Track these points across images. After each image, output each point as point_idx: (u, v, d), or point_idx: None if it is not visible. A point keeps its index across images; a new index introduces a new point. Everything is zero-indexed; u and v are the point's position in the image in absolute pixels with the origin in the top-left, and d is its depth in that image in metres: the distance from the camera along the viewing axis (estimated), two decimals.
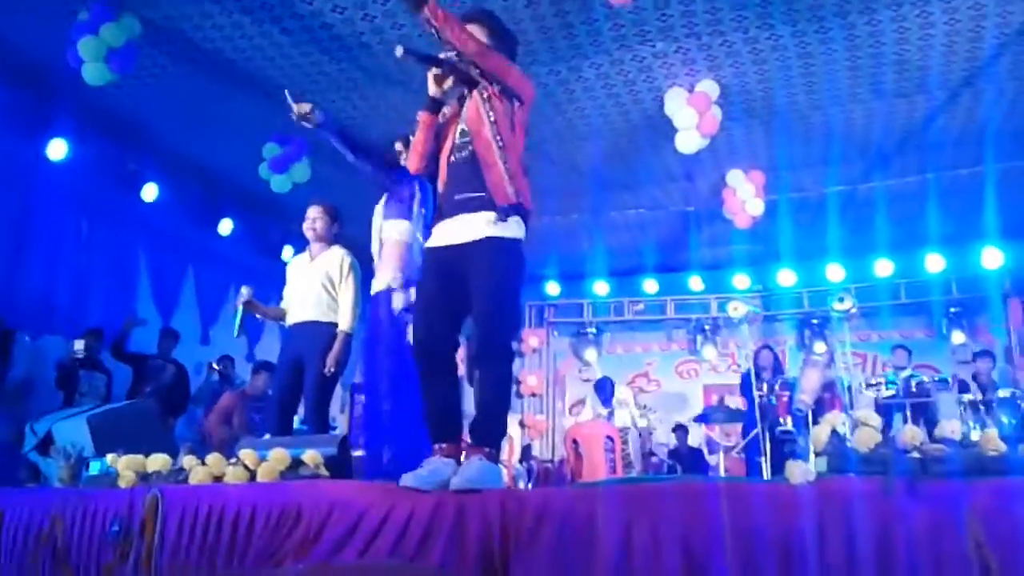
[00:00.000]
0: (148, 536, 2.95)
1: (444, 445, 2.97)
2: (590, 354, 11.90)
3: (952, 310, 10.42)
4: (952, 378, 8.01)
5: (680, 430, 10.17)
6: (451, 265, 3.08)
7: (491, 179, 3.04)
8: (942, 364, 9.86)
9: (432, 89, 3.19)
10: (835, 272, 10.37)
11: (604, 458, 8.15)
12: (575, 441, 8.54)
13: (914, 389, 7.36)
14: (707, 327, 11.47)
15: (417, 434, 4.02)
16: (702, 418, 9.34)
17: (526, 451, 10.59)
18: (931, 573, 2.08)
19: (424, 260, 3.29)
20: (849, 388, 8.00)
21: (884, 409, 6.99)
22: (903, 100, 7.19)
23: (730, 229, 8.99)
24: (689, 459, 9.82)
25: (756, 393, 7.57)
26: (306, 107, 4.24)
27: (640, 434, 9.18)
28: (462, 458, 2.95)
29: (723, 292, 11.06)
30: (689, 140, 6.98)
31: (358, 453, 4.22)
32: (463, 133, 3.17)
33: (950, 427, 2.49)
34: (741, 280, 10.94)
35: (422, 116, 3.25)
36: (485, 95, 3.12)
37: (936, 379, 7.71)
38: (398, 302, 4.48)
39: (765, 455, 7.21)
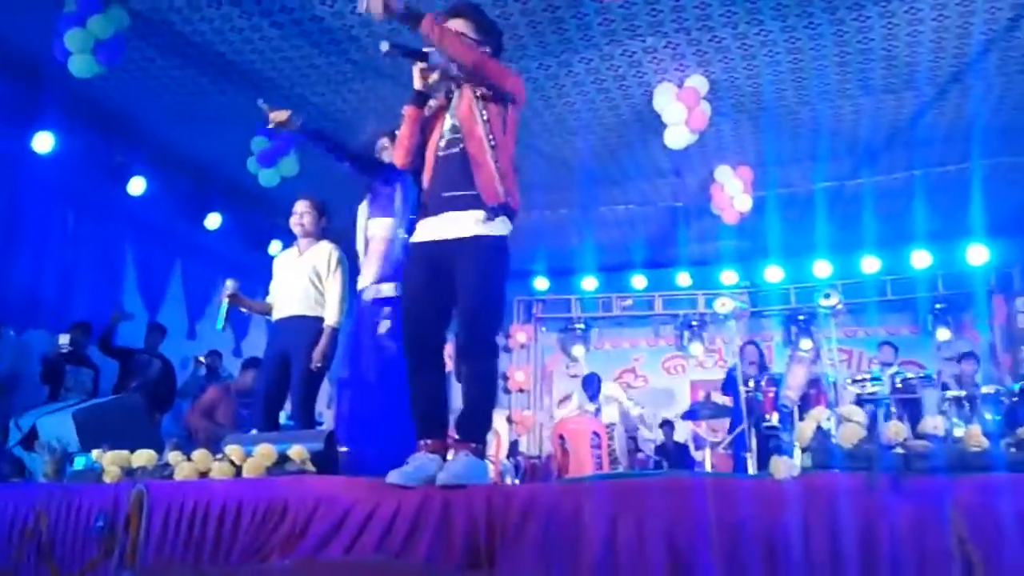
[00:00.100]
0: (133, 531, 2.94)
1: (430, 441, 2.97)
2: (578, 350, 11.92)
3: (938, 306, 10.49)
4: (937, 375, 8.06)
5: (666, 426, 10.20)
6: (437, 260, 3.07)
7: (481, 179, 3.04)
8: (927, 360, 9.92)
9: (418, 83, 3.18)
10: (822, 268, 10.41)
11: (591, 454, 8.17)
12: (562, 437, 8.56)
13: (899, 385, 7.40)
14: (694, 323, 11.51)
15: (402, 430, 4.02)
16: (689, 415, 9.37)
17: (513, 447, 10.61)
18: (914, 568, 2.09)
19: (409, 255, 3.28)
20: (835, 384, 8.03)
21: (869, 405, 7.02)
22: (891, 96, 7.22)
23: (718, 225, 9.00)
24: (675, 455, 9.85)
25: (742, 389, 7.59)
26: (283, 115, 4.20)
27: (634, 424, 9.24)
28: (449, 454, 2.95)
29: (711, 288, 11.07)
30: (678, 135, 6.98)
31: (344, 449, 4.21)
32: (453, 128, 3.16)
33: (933, 423, 2.50)
34: (729, 276, 10.96)
35: (408, 110, 3.25)
36: (478, 93, 3.11)
37: (921, 375, 7.75)
38: (369, 294, 4.48)
39: (751, 451, 7.23)
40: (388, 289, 4.45)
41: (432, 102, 3.29)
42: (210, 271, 9.44)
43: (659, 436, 10.20)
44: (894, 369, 8.26)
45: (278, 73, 6.80)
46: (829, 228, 9.47)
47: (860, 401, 7.13)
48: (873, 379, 7.59)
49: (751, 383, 7.73)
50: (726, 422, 8.79)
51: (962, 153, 8.24)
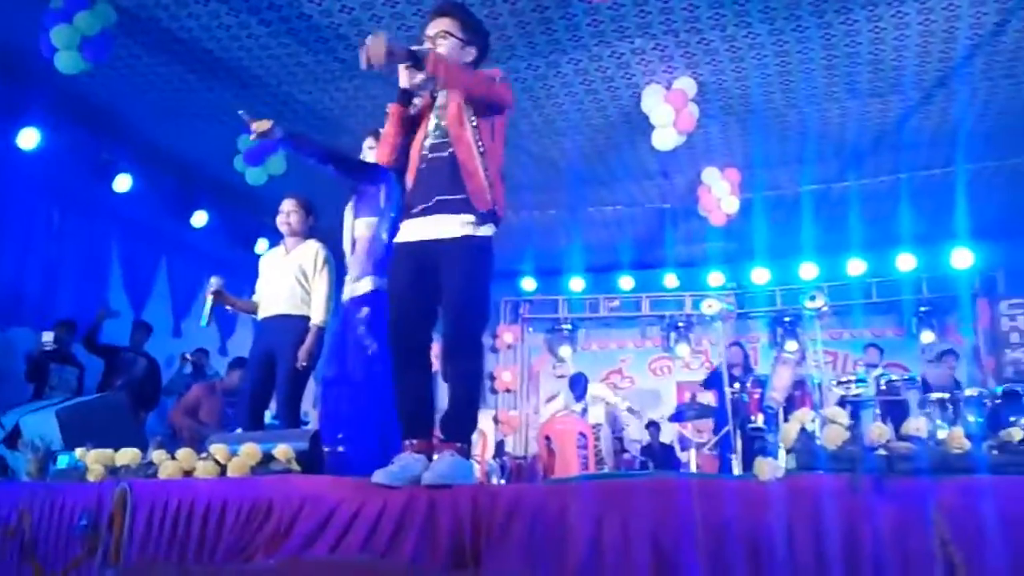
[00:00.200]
0: (116, 530, 2.92)
1: (416, 441, 2.97)
2: (564, 350, 11.94)
3: (922, 309, 10.57)
4: (921, 378, 8.12)
5: (652, 427, 10.24)
6: (422, 260, 3.07)
7: (471, 186, 3.03)
8: (912, 363, 9.99)
9: (403, 81, 3.16)
10: (808, 270, 10.46)
11: (577, 454, 8.20)
12: (548, 437, 8.58)
13: (884, 387, 7.44)
14: (681, 324, 11.55)
15: (387, 430, 4.02)
16: (676, 417, 9.40)
17: (499, 447, 10.62)
18: (897, 569, 2.11)
19: (394, 255, 3.27)
20: (820, 386, 8.08)
21: (853, 407, 7.06)
22: (877, 100, 7.26)
23: (705, 227, 9.03)
24: (661, 455, 9.89)
25: (728, 390, 7.63)
26: (264, 125, 4.18)
27: (621, 425, 9.27)
28: (435, 454, 2.95)
29: (697, 289, 11.12)
30: (666, 137, 7.00)
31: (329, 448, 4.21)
32: (440, 131, 3.15)
33: (916, 425, 2.52)
34: (715, 278, 11.00)
35: (392, 108, 3.24)
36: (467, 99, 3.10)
37: (905, 378, 7.80)
38: (346, 293, 4.48)
39: (736, 452, 7.26)
40: (365, 285, 4.45)
41: (417, 100, 3.28)
42: (196, 269, 9.40)
43: (645, 436, 10.24)
44: (879, 371, 8.32)
45: (265, 71, 6.78)
46: (815, 230, 9.52)
47: (843, 402, 7.17)
48: (858, 381, 7.63)
49: (737, 384, 7.77)
50: (712, 423, 8.83)
51: (947, 157, 8.31)
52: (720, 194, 8.44)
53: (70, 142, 7.46)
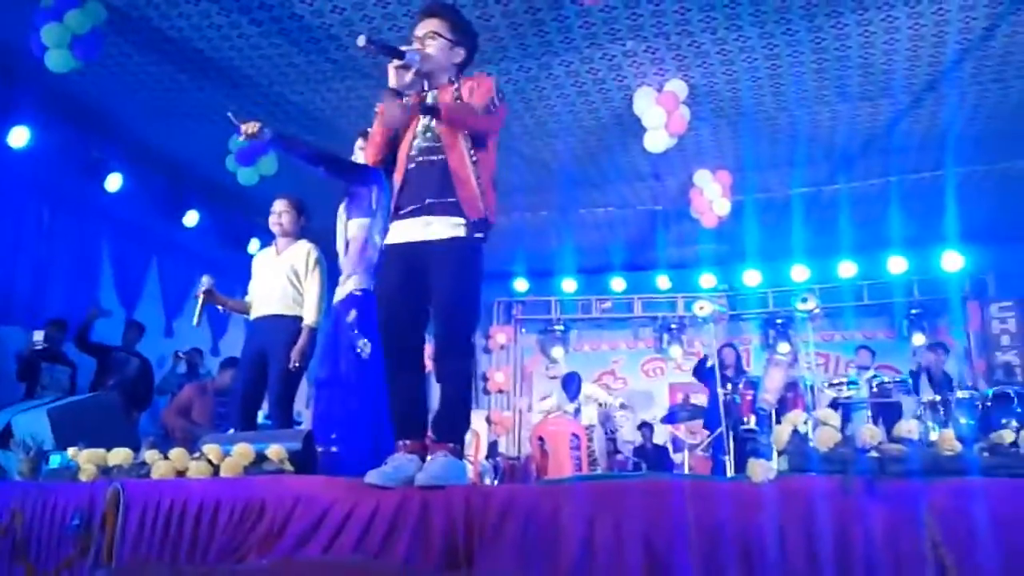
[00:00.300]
0: (109, 530, 2.92)
1: (409, 441, 2.97)
2: (557, 351, 11.95)
3: (913, 312, 10.61)
4: (910, 375, 8.16)
5: (645, 428, 10.25)
6: (412, 262, 3.07)
7: (463, 194, 3.03)
8: (903, 365, 10.00)
9: (392, 80, 3.16)
10: (799, 273, 10.51)
11: (570, 455, 8.20)
12: (541, 438, 8.58)
13: (875, 389, 7.47)
14: (673, 326, 11.57)
15: (379, 430, 4.02)
16: (668, 419, 9.42)
17: (492, 447, 10.61)
18: (889, 571, 2.12)
19: (383, 257, 3.27)
20: (812, 388, 8.11)
21: (844, 409, 7.08)
22: (867, 103, 7.29)
23: (697, 228, 9.05)
24: (654, 457, 9.90)
25: (720, 391, 7.64)
26: (253, 127, 4.18)
27: (614, 426, 9.29)
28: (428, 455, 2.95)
29: (690, 291, 11.15)
30: (657, 139, 7.02)
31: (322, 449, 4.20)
32: (432, 133, 3.14)
33: (907, 427, 2.53)
34: (707, 279, 11.04)
35: (381, 108, 3.23)
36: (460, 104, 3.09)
37: (897, 380, 7.83)
38: (337, 295, 4.49)
39: (729, 453, 7.28)
40: (352, 283, 4.46)
41: (405, 100, 3.27)
42: (187, 269, 9.36)
43: (638, 437, 10.25)
44: (870, 373, 8.34)
45: (256, 71, 6.77)
46: (806, 233, 9.55)
47: (835, 404, 7.19)
48: (850, 383, 7.66)
49: (729, 386, 7.79)
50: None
51: (937, 160, 8.35)
52: (712, 196, 8.46)
53: (60, 141, 7.44)
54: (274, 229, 4.99)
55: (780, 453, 2.62)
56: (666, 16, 6.01)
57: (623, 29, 6.19)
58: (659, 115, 6.87)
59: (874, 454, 2.45)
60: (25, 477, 3.81)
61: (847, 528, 2.17)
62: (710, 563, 2.22)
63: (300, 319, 4.75)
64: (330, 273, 4.86)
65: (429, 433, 3.03)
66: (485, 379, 11.95)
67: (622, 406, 9.60)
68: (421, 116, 3.19)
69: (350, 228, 4.61)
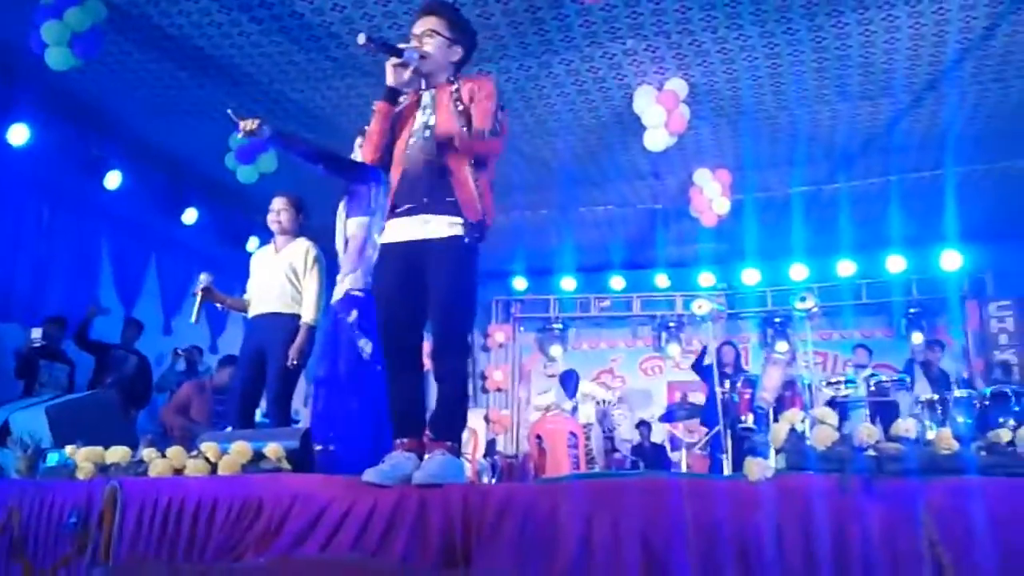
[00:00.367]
0: (106, 528, 2.92)
1: (407, 440, 2.97)
2: (555, 350, 11.94)
3: (912, 311, 10.60)
4: (906, 365, 8.17)
5: (643, 426, 10.25)
6: (410, 260, 3.07)
7: (462, 195, 3.03)
8: (901, 364, 10.01)
9: (390, 78, 3.15)
10: (798, 271, 10.50)
11: (567, 454, 8.21)
12: (539, 437, 8.59)
13: (873, 388, 7.47)
14: (672, 324, 11.56)
15: (377, 428, 4.02)
16: (667, 417, 9.42)
17: (490, 446, 10.61)
18: (886, 569, 2.12)
19: (381, 256, 3.26)
20: (810, 386, 8.11)
21: (842, 407, 7.08)
22: (868, 103, 7.29)
23: (696, 227, 9.05)
24: (652, 455, 9.90)
25: (719, 389, 7.65)
26: (252, 124, 4.18)
27: (612, 424, 9.29)
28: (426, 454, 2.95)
29: (688, 290, 11.14)
30: (657, 138, 7.02)
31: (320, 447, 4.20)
32: (429, 132, 3.14)
33: (905, 426, 2.53)
34: (706, 278, 11.03)
35: (379, 105, 3.22)
36: (460, 108, 3.04)
37: (895, 379, 7.83)
38: (339, 292, 4.49)
39: (727, 452, 7.28)
40: (350, 281, 4.46)
41: (403, 98, 3.27)
42: (186, 267, 9.36)
43: (636, 436, 10.26)
44: (868, 372, 8.34)
45: (257, 69, 6.76)
46: (805, 232, 9.55)
47: (833, 403, 7.19)
48: (848, 382, 7.66)
49: (727, 384, 7.79)
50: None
51: (936, 160, 8.35)
52: (711, 195, 8.46)
53: (60, 138, 7.42)
54: (273, 227, 4.99)
55: (778, 451, 2.62)
56: (666, 15, 6.01)
57: (623, 27, 6.18)
58: (659, 114, 6.87)
59: (872, 453, 2.45)
60: (23, 475, 3.80)
61: (844, 526, 2.17)
62: (708, 561, 2.22)
63: (299, 317, 4.74)
64: (329, 271, 4.86)
65: (427, 431, 3.03)
66: (483, 377, 11.94)
67: (620, 400, 9.61)
68: (419, 114, 3.20)
69: (349, 226, 4.61)
